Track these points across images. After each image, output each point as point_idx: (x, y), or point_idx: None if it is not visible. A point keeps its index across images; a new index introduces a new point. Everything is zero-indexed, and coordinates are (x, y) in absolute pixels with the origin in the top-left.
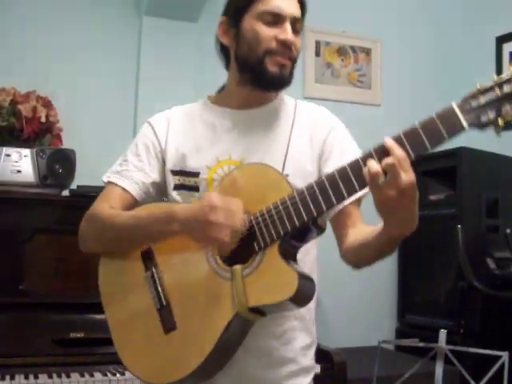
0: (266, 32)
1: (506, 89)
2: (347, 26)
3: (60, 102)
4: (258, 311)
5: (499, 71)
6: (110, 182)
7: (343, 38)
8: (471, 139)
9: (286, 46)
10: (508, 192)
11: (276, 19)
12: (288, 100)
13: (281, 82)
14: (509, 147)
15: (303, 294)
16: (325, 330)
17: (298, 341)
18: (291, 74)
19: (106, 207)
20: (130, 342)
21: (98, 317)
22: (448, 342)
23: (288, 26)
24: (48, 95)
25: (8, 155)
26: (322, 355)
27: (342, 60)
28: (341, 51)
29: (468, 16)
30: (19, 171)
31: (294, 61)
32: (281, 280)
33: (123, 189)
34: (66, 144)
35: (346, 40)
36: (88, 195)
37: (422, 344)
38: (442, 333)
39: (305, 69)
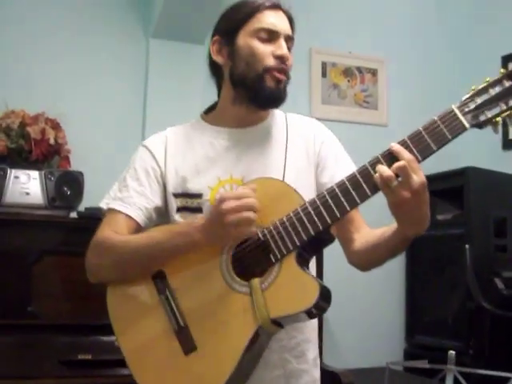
0: (263, 49)
1: (497, 89)
2: (353, 47)
3: (68, 123)
4: (278, 323)
5: None
6: (111, 209)
7: (349, 58)
8: (478, 159)
9: (282, 61)
10: None
11: (271, 36)
12: (278, 115)
13: (277, 97)
14: None
15: (324, 300)
16: (333, 351)
17: (310, 352)
18: (285, 90)
19: (114, 234)
20: (150, 368)
21: (106, 338)
22: (457, 363)
23: (283, 42)
24: (57, 117)
25: (17, 177)
26: (329, 376)
27: (349, 81)
28: (347, 72)
29: (473, 35)
30: (28, 193)
31: (288, 77)
32: (302, 289)
33: (127, 215)
34: (75, 166)
35: (352, 61)
36: (96, 217)
37: (430, 365)
38: (451, 354)
39: (311, 90)
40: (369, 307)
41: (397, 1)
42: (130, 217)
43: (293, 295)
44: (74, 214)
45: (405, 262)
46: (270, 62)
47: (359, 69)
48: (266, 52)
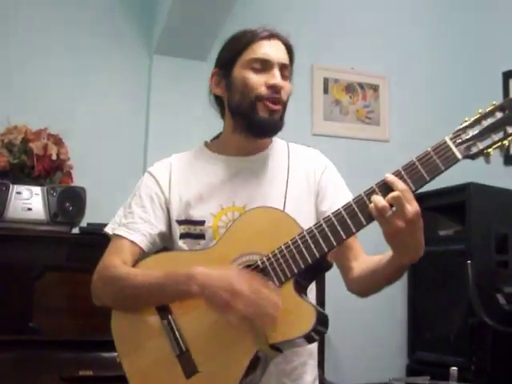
0: (255, 79)
1: (489, 120)
2: (355, 64)
3: (71, 139)
4: (277, 348)
5: None
6: (116, 235)
7: (351, 75)
8: (479, 174)
9: (275, 90)
10: None
11: (264, 66)
12: (280, 144)
13: (271, 127)
14: None
15: (322, 325)
16: (335, 368)
17: (308, 374)
18: (281, 119)
19: (120, 263)
20: None
21: (107, 355)
22: (459, 379)
23: (276, 72)
24: (59, 133)
25: (19, 193)
26: None
27: (350, 97)
28: (349, 88)
29: (474, 52)
30: (30, 209)
31: (284, 105)
32: (299, 315)
33: (132, 242)
34: (77, 182)
35: (353, 77)
36: (98, 233)
37: (432, 382)
38: (453, 371)
39: (313, 106)
40: (371, 323)
41: (399, 17)
42: (134, 243)
43: (291, 321)
44: (76, 230)
45: (407, 278)
46: (262, 91)
47: (361, 85)
48: (259, 82)
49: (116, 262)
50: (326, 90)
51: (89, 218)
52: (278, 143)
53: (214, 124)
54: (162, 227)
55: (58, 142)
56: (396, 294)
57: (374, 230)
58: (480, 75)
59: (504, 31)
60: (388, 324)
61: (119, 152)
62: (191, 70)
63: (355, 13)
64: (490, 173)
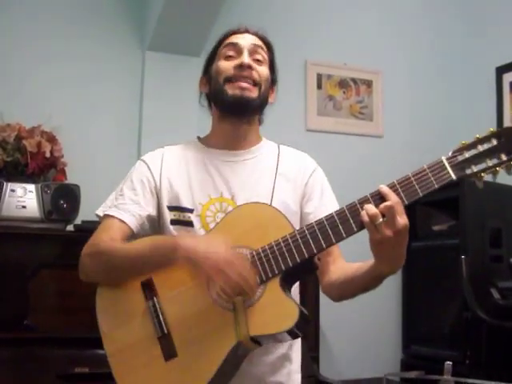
0: (225, 64)
1: (486, 146)
2: (348, 59)
3: (64, 136)
4: (256, 341)
5: (499, 101)
6: (107, 216)
7: (344, 70)
8: None
9: (242, 69)
10: (511, 221)
11: (234, 52)
12: (271, 145)
13: (243, 102)
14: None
15: (302, 325)
16: (329, 363)
17: (287, 367)
18: (260, 97)
19: (108, 239)
20: (130, 371)
21: (103, 352)
22: (453, 373)
23: (245, 53)
24: (52, 130)
25: (13, 190)
26: None
27: (344, 92)
28: (342, 84)
29: (468, 47)
30: (24, 206)
31: (258, 85)
32: (282, 312)
33: (121, 221)
34: (71, 179)
35: (347, 72)
36: (93, 230)
37: (427, 376)
38: (448, 365)
39: (307, 102)
40: (365, 318)
41: (391, 13)
42: (123, 222)
43: (273, 317)
44: (70, 227)
45: (401, 273)
46: (230, 73)
47: (354, 80)
48: (228, 66)
49: (104, 238)
50: (319, 86)
51: (83, 215)
52: (268, 144)
53: (207, 118)
54: (151, 210)
55: (52, 139)
56: (390, 289)
57: (357, 240)
58: (474, 70)
59: (497, 27)
60: (382, 319)
61: (112, 148)
62: (185, 65)
63: (348, 9)
64: None
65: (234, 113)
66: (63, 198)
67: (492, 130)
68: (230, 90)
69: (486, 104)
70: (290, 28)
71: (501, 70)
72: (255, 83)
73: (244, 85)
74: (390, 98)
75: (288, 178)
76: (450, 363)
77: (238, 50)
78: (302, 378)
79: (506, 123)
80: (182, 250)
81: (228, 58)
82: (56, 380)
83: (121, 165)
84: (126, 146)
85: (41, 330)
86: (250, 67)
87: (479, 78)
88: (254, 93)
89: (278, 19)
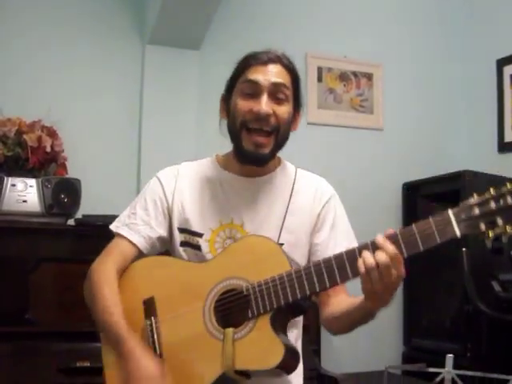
0: (242, 104)
1: (498, 204)
2: (348, 52)
3: (65, 131)
4: (244, 373)
5: (500, 94)
6: (118, 234)
7: (345, 63)
8: (474, 162)
9: (258, 118)
10: None
11: (253, 91)
12: (289, 168)
13: (256, 160)
14: None
15: (288, 365)
16: (331, 356)
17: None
18: (276, 146)
19: (111, 265)
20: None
21: None
22: (455, 366)
23: (263, 98)
24: (53, 125)
25: (14, 185)
26: (328, 381)
27: (344, 85)
28: (343, 77)
29: (468, 39)
30: (25, 201)
31: (275, 131)
32: (268, 349)
33: (130, 242)
34: (71, 173)
35: (347, 65)
36: (93, 224)
37: (429, 369)
38: (449, 358)
39: (307, 94)
40: None
41: (392, 5)
42: (132, 243)
43: (259, 353)
44: (71, 222)
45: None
46: (246, 117)
47: (355, 73)
48: (245, 108)
49: (108, 265)
50: (319, 79)
51: (84, 209)
52: (286, 167)
53: (207, 113)
54: (161, 232)
55: (52, 133)
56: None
57: None
58: (474, 63)
59: (498, 19)
60: (384, 312)
61: (113, 143)
62: (185, 59)
63: (349, 1)
64: (485, 160)
65: (249, 164)
66: (64, 193)
67: (509, 185)
68: (245, 143)
69: (486, 97)
70: (290, 21)
71: (501, 63)
72: (272, 129)
73: (259, 140)
74: (391, 91)
75: (301, 207)
76: (452, 356)
77: (258, 90)
78: (304, 370)
79: (507, 116)
80: (125, 353)
81: (247, 96)
82: (57, 374)
83: (121, 158)
84: (127, 139)
85: (42, 323)
86: (267, 115)
87: (480, 70)
88: (268, 147)
89: (277, 13)
